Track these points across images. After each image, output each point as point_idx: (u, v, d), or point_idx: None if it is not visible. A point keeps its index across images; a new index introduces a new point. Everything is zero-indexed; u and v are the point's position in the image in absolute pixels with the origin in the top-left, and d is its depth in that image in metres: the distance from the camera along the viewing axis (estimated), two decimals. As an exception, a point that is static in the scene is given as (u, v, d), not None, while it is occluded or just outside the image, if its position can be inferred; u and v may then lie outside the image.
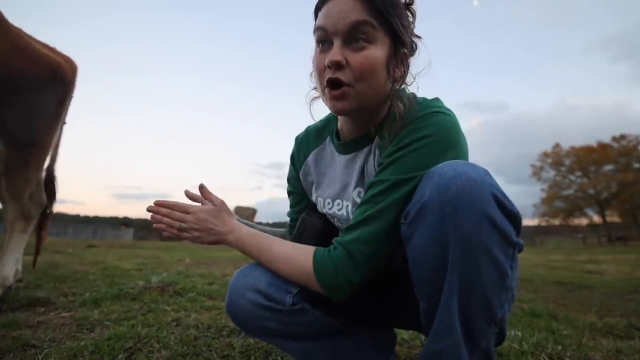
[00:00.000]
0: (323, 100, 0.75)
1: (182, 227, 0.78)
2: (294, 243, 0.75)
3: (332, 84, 0.69)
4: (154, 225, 0.82)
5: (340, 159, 0.84)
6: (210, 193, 0.86)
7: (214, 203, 0.83)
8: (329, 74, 0.69)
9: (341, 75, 0.67)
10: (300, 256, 0.71)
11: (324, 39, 0.70)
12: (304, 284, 0.71)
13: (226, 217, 0.81)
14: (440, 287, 0.59)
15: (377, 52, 0.68)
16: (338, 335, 0.88)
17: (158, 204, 0.82)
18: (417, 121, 0.67)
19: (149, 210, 0.82)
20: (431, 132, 0.66)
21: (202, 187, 0.85)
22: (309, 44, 0.77)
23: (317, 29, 0.71)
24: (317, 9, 0.73)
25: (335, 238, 0.70)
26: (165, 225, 0.80)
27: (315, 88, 0.79)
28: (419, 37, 0.77)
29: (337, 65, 0.67)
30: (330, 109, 0.72)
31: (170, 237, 0.81)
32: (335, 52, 0.67)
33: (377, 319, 0.93)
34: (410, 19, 0.75)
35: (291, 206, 0.98)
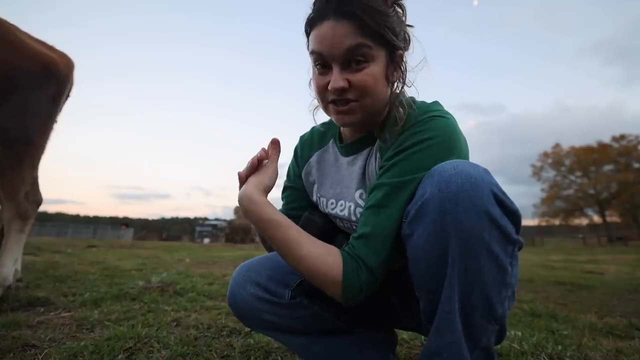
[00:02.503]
0: (326, 114, 0.77)
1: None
2: (317, 240, 0.69)
3: (339, 100, 0.70)
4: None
5: (343, 161, 0.85)
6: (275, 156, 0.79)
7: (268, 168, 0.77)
8: (332, 96, 0.71)
9: (347, 95, 0.69)
10: (328, 263, 0.65)
11: (321, 62, 0.71)
12: (321, 287, 0.67)
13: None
14: (440, 283, 0.59)
15: (376, 67, 0.70)
16: (337, 332, 0.89)
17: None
18: (417, 125, 0.68)
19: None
20: (431, 135, 0.66)
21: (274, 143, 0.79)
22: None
23: (313, 52, 0.71)
24: (309, 28, 0.73)
25: (353, 249, 0.66)
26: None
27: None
28: (410, 26, 0.76)
29: (340, 91, 0.69)
30: (337, 122, 0.74)
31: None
32: (337, 79, 0.68)
33: (376, 319, 0.93)
34: (401, 13, 0.74)
35: (286, 203, 0.98)
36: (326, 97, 0.72)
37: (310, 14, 0.72)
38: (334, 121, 0.75)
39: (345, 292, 0.64)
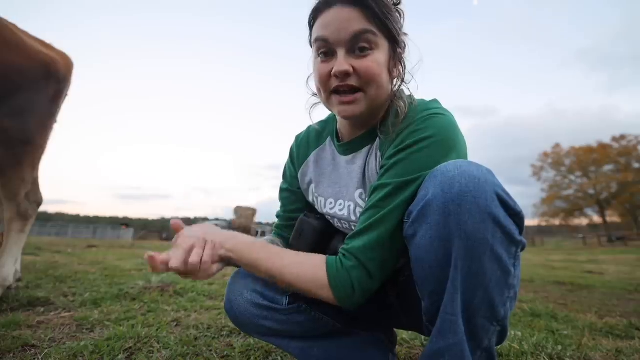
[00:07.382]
0: (327, 107, 0.77)
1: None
2: (299, 252, 0.73)
3: (343, 91, 0.70)
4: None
5: (341, 160, 0.84)
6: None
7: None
8: (335, 83, 0.70)
9: (351, 82, 0.69)
10: (311, 266, 0.68)
11: (325, 49, 0.71)
12: (314, 294, 0.68)
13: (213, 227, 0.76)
14: (443, 284, 0.59)
15: (380, 56, 0.70)
16: (337, 335, 0.88)
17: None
18: (417, 123, 0.68)
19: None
20: (432, 133, 0.66)
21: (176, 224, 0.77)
22: (306, 48, 0.78)
23: (317, 39, 0.71)
24: (313, 19, 0.74)
25: (343, 246, 0.68)
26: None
27: (315, 95, 0.80)
28: (405, 34, 0.78)
29: (344, 75, 0.69)
30: (340, 114, 0.73)
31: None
32: (342, 62, 0.68)
33: (375, 319, 0.93)
34: (399, 18, 0.76)
35: (283, 206, 0.97)
36: (329, 85, 0.72)
37: (315, 4, 0.73)
38: (337, 113, 0.74)
39: (336, 292, 0.65)
